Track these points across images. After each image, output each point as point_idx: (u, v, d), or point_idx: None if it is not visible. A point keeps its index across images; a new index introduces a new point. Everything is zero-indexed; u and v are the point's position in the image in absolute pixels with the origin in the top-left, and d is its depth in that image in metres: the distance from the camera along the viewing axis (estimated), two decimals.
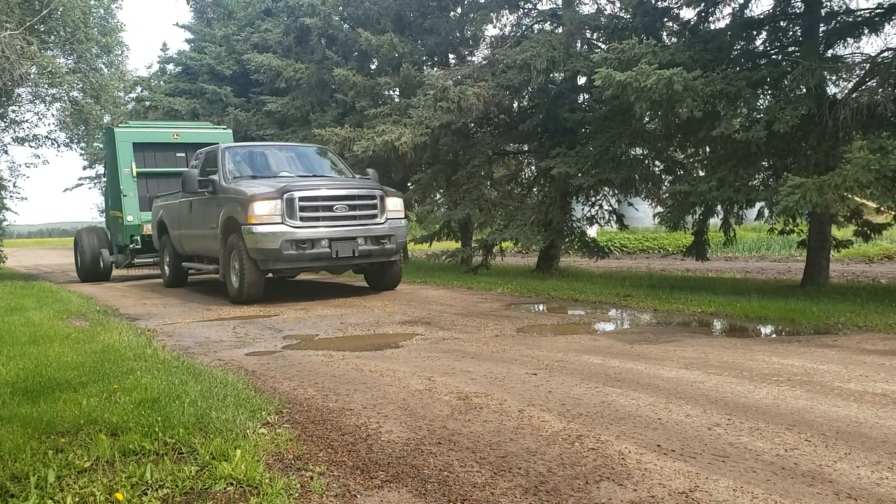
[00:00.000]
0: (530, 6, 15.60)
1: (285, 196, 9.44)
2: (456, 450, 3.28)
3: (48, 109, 21.31)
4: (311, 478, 3.01)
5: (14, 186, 23.41)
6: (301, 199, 9.49)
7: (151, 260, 15.13)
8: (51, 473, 3.00)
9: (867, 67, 8.87)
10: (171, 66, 28.98)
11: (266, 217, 9.36)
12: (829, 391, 4.20)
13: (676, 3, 10.79)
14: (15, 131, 21.28)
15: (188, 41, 28.37)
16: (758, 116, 8.85)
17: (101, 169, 33.65)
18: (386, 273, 10.91)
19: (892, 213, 9.05)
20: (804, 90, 8.65)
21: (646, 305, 8.37)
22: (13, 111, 20.72)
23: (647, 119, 11.65)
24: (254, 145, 12.25)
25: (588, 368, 5.01)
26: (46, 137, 22.02)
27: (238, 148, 11.47)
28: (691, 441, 3.31)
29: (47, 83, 18.67)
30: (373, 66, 18.34)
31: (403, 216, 10.70)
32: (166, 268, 13.20)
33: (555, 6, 14.99)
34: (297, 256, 9.47)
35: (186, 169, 11.22)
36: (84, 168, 35.16)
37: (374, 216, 10.05)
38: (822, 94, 8.82)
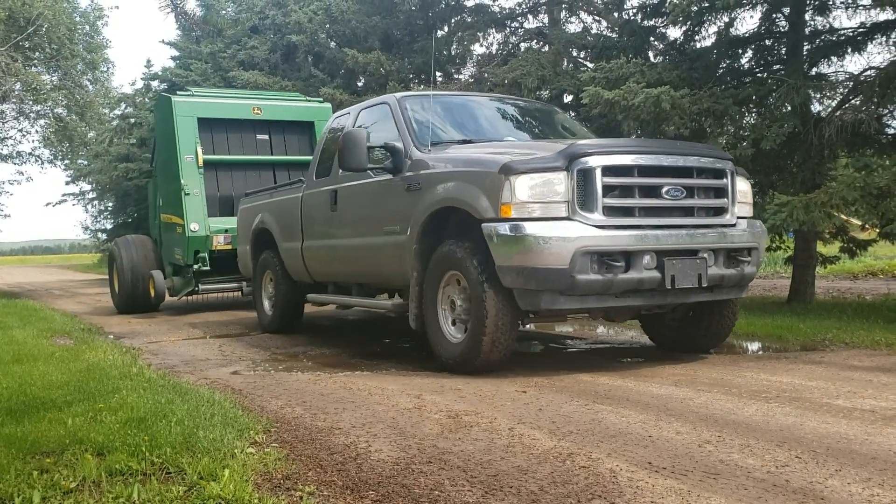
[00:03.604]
0: (517, 25, 15.70)
1: (577, 165, 5.12)
2: (446, 469, 3.26)
3: (32, 126, 21.24)
4: (301, 498, 2.98)
5: None
6: (606, 170, 5.18)
7: (222, 286, 11.16)
8: (36, 494, 2.96)
9: (850, 85, 8.97)
10: (155, 83, 28.95)
11: (539, 206, 5.12)
12: (818, 408, 4.21)
13: (663, 23, 10.89)
14: None
15: (173, 58, 28.35)
16: (744, 134, 8.92)
17: (85, 186, 33.38)
18: (713, 318, 6.13)
19: (877, 229, 9.12)
20: (789, 108, 8.73)
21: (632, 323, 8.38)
22: None
23: (634, 137, 11.72)
24: (451, 95, 8.15)
25: (577, 385, 5.00)
26: (30, 154, 21.95)
27: (426, 99, 6.96)
28: (682, 458, 3.30)
29: (32, 99, 18.62)
30: (360, 84, 18.39)
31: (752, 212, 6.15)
32: (266, 302, 8.80)
33: (541, 25, 15.09)
34: (600, 285, 5.08)
35: (352, 129, 6.59)
36: (67, 184, 34.94)
37: (723, 210, 5.68)
38: (807, 112, 8.91)
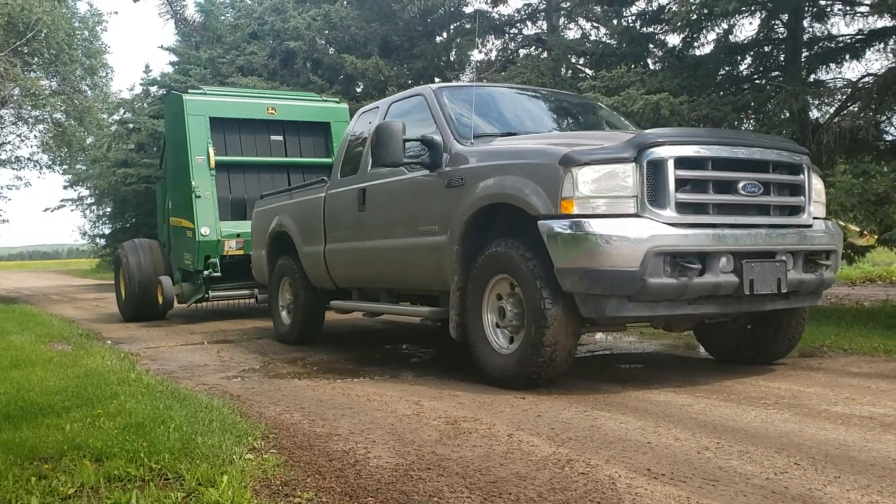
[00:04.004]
0: (515, 31, 15.72)
1: (646, 156, 4.65)
2: (445, 475, 3.25)
3: (31, 131, 21.25)
4: None
5: None
6: (679, 162, 4.72)
7: (234, 293, 10.66)
8: (34, 500, 2.95)
9: (848, 92, 8.99)
10: (154, 89, 28.96)
11: (604, 202, 4.63)
12: (816, 414, 4.21)
13: (662, 29, 10.92)
14: None
15: (172, 63, 28.36)
16: None
17: (83, 191, 33.36)
18: (782, 327, 5.68)
19: (875, 235, 9.13)
20: (787, 114, 8.75)
21: (631, 329, 8.38)
22: None
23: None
24: (488, 86, 7.36)
25: (576, 391, 4.99)
26: (29, 159, 21.95)
27: (464, 90, 6.54)
28: (681, 465, 3.30)
29: (30, 105, 18.63)
30: (358, 90, 18.42)
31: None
32: (283, 311, 8.28)
33: (540, 31, 15.11)
34: (674, 290, 4.61)
35: (387, 120, 6.08)
36: (65, 189, 34.92)
37: (799, 209, 5.26)
38: (805, 119, 8.93)
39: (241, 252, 10.26)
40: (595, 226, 4.56)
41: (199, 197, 10.31)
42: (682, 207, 4.72)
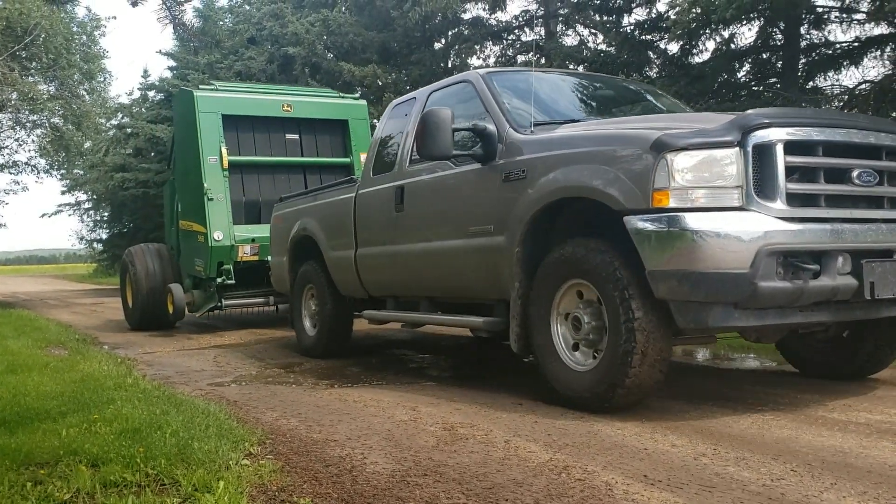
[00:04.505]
0: (513, 38, 15.76)
1: (752, 139, 4.06)
2: (442, 481, 3.25)
3: (29, 136, 21.26)
4: None
5: None
6: (790, 146, 4.14)
7: (249, 301, 10.16)
8: None
9: (846, 99, 9.03)
10: (152, 93, 28.98)
11: (704, 193, 4.04)
12: (813, 420, 4.21)
13: (661, 37, 10.96)
14: None
15: (171, 68, 28.39)
16: None
17: (81, 196, 33.34)
18: (881, 339, 5.10)
19: None
20: None
21: None
22: None
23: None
24: (537, 72, 6.20)
25: None
26: (26, 164, 21.95)
27: (516, 75, 6.13)
28: (678, 471, 3.30)
29: (28, 109, 18.62)
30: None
31: None
32: (307, 322, 7.67)
33: (538, 38, 15.15)
34: (788, 295, 4.02)
35: (434, 108, 5.31)
36: (62, 193, 34.91)
37: None
38: None
39: (256, 258, 9.78)
40: (696, 221, 3.96)
41: (211, 199, 9.70)
42: (791, 199, 4.11)
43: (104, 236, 31.10)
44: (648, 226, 4.06)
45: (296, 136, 10.72)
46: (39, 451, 3.67)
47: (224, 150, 9.87)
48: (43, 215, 52.24)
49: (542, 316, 4.72)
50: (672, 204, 4.02)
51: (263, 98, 10.70)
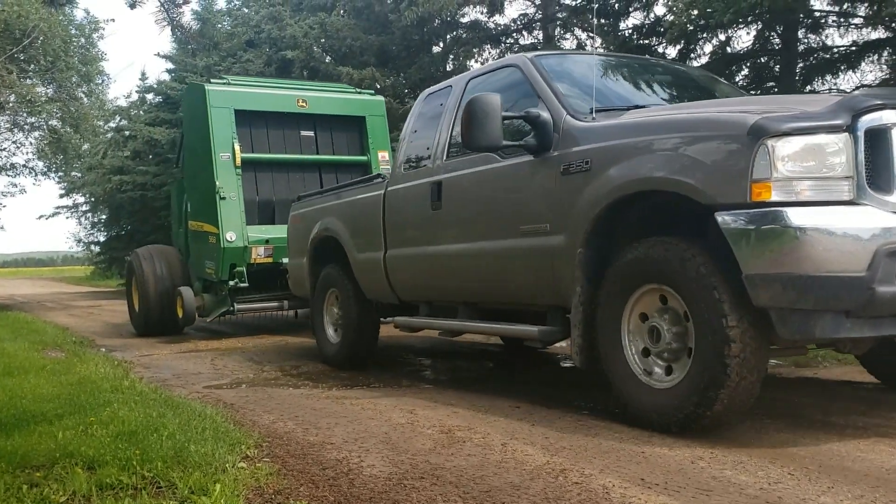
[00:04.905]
0: (511, 41, 15.78)
1: (864, 123, 3.58)
2: (439, 484, 3.25)
3: (27, 138, 21.24)
4: None
5: None
6: None
7: (262, 305, 9.74)
8: None
9: None
10: (150, 96, 28.98)
11: (810, 185, 3.55)
12: (810, 424, 4.21)
13: (659, 41, 10.98)
14: None
15: (168, 71, 28.38)
16: None
17: (79, 198, 33.32)
18: None
19: None
20: None
21: None
22: None
23: None
24: (590, 55, 6.01)
25: (570, 401, 4.99)
26: (24, 166, 21.93)
27: (563, 59, 5.68)
28: (675, 474, 3.29)
29: (26, 111, 18.61)
30: None
31: None
32: (329, 329, 7.18)
33: (536, 41, 15.17)
34: None
35: (481, 94, 4.77)
36: (60, 196, 34.88)
37: None
38: None
39: (270, 260, 9.38)
40: (803, 217, 3.44)
41: (223, 198, 9.25)
42: None
43: (102, 239, 31.08)
44: (746, 223, 3.55)
45: (311, 133, 10.31)
46: (35, 453, 3.66)
47: (237, 147, 9.47)
48: (40, 217, 52.15)
49: (612, 325, 4.20)
50: (774, 197, 3.51)
51: (277, 93, 10.28)
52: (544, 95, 4.84)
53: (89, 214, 33.45)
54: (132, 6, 4.42)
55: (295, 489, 3.25)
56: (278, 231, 9.02)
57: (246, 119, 9.79)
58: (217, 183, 9.27)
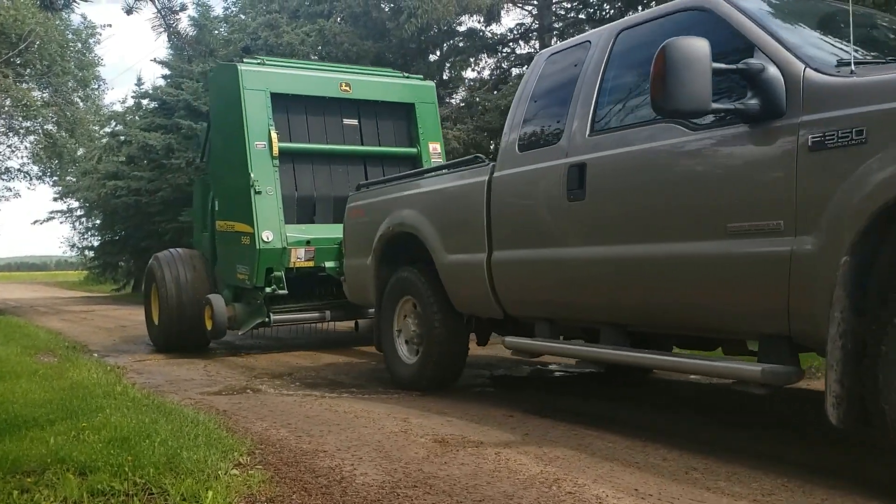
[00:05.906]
0: (508, 50, 15.82)
1: None
2: (432, 493, 3.24)
3: (22, 142, 21.23)
4: None
5: None
6: None
7: (302, 316, 8.56)
8: None
9: None
10: (146, 101, 28.96)
11: None
12: (804, 434, 4.21)
13: None
14: None
15: (164, 77, 28.37)
16: None
17: (73, 203, 33.23)
18: None
19: None
20: None
21: None
22: None
23: None
24: None
25: (564, 410, 4.99)
26: (19, 170, 21.91)
27: (762, 2, 4.04)
28: (669, 485, 3.29)
29: (22, 115, 18.61)
30: None
31: None
32: (404, 346, 6.02)
33: (533, 51, 15.22)
34: None
35: (678, 40, 3.32)
36: (54, 200, 34.82)
37: None
38: None
39: (311, 264, 8.19)
40: None
41: (259, 193, 8.01)
42: None
43: (96, 244, 30.97)
44: None
45: (355, 122, 9.08)
46: (27, 458, 3.64)
47: (274, 135, 8.26)
48: (35, 222, 52.13)
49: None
50: None
51: (318, 75, 9.11)
52: (763, 44, 3.55)
53: (83, 219, 33.36)
54: (129, 12, 4.43)
55: (287, 497, 3.24)
56: (320, 231, 8.24)
57: (282, 104, 8.64)
58: (252, 175, 8.05)
